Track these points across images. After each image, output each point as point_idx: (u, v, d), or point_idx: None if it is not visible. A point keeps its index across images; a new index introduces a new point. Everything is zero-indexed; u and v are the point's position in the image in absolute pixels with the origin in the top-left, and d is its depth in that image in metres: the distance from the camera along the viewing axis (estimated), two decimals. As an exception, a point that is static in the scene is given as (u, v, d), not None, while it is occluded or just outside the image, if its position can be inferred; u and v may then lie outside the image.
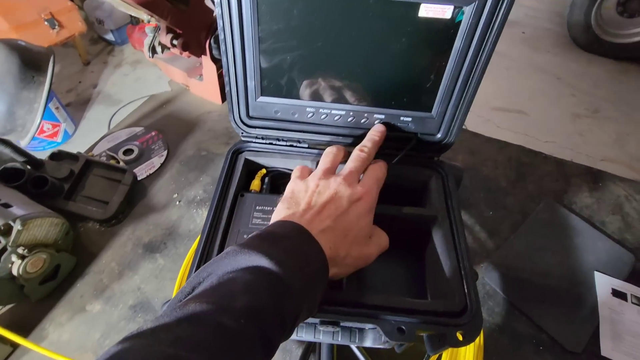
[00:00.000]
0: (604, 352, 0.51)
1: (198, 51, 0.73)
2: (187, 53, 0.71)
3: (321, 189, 0.34)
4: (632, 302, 0.56)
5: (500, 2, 0.33)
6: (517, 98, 2.05)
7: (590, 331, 0.53)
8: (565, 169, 0.75)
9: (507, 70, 2.24)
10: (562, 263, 0.60)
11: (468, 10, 0.34)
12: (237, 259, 0.27)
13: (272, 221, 0.34)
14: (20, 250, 0.47)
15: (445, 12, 0.34)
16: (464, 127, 0.43)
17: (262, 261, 0.26)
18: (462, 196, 0.69)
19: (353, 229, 0.33)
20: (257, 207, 0.40)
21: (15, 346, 0.49)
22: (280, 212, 0.34)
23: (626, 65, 2.28)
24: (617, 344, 0.52)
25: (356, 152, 0.38)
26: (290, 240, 0.29)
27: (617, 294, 0.57)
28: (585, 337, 0.53)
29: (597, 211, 0.68)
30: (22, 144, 0.42)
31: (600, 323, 0.54)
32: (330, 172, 0.37)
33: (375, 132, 0.40)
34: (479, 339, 0.48)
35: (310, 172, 0.37)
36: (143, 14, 0.62)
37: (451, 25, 0.35)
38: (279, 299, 0.26)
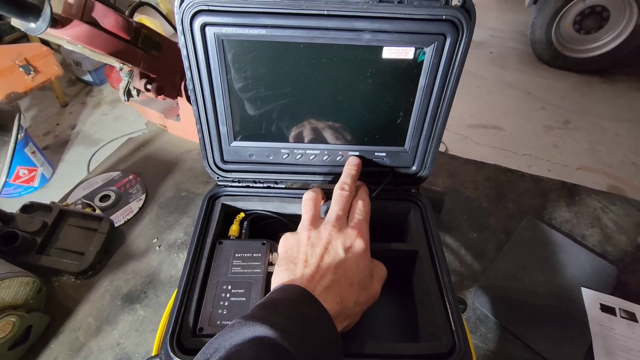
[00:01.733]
0: (599, 371, 0.50)
1: (173, 94, 0.74)
2: (162, 96, 0.71)
3: (313, 240, 0.34)
4: (621, 317, 0.56)
5: (459, 41, 0.34)
6: (492, 114, 2.13)
7: (584, 349, 0.53)
8: (542, 185, 0.76)
9: (479, 88, 2.34)
10: (549, 280, 0.61)
11: (429, 50, 0.35)
12: (242, 332, 0.26)
13: (272, 286, 0.33)
14: (-14, 316, 0.44)
15: (407, 53, 0.35)
16: (442, 150, 0.44)
17: (266, 331, 0.26)
18: (445, 219, 0.69)
19: (355, 276, 0.33)
20: (237, 255, 0.39)
21: (-20, 423, 0.45)
22: (279, 276, 0.33)
23: (588, 78, 2.41)
24: (612, 361, 0.52)
25: (337, 192, 0.38)
26: (293, 305, 0.29)
27: (605, 309, 0.57)
28: (580, 356, 0.52)
29: (576, 225, 0.69)
30: (-13, 204, 0.40)
31: (593, 340, 0.54)
32: (317, 218, 0.36)
33: (352, 166, 0.41)
34: (474, 370, 0.47)
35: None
36: (115, 62, 0.62)
37: (414, 65, 0.36)
38: None
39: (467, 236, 0.67)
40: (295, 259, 0.33)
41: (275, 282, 0.33)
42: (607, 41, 2.27)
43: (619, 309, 0.57)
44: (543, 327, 0.55)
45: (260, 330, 0.26)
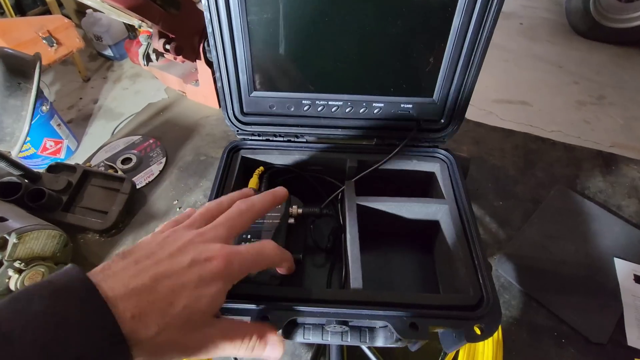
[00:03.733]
0: (630, 342, 0.48)
1: (192, 55, 0.72)
2: (181, 58, 0.70)
3: (170, 240, 0.25)
4: (657, 288, 0.53)
5: (499, -26, 0.31)
6: (519, 89, 2.02)
7: (614, 320, 0.50)
8: (575, 153, 0.72)
9: (505, 62, 2.22)
10: (579, 250, 0.58)
11: (465, -15, 0.32)
12: None
13: None
14: (17, 264, 0.46)
15: (441, -12, 0.32)
16: (465, 117, 0.41)
17: None
18: (470, 187, 0.67)
19: (183, 296, 0.22)
20: (256, 206, 0.38)
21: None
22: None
23: (628, 50, 2.25)
24: (644, 333, 0.49)
25: (235, 205, 0.29)
26: (49, 301, 0.19)
27: (639, 280, 0.54)
28: (610, 326, 0.50)
29: (611, 195, 0.65)
30: (13, 153, 0.41)
31: (625, 311, 0.51)
32: (192, 226, 0.27)
33: (273, 191, 0.32)
34: (497, 334, 0.46)
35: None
36: (134, 20, 0.61)
37: (449, 3, 0.33)
38: None
39: (493, 204, 0.64)
40: (131, 253, 0.24)
41: None
42: (651, 10, 2.09)
43: (655, 280, 0.54)
44: (571, 296, 0.53)
45: None
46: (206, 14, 0.35)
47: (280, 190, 0.32)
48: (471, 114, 0.39)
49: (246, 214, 0.28)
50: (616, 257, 0.57)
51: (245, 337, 0.25)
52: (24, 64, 0.39)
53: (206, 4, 0.34)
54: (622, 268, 0.56)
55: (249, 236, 0.35)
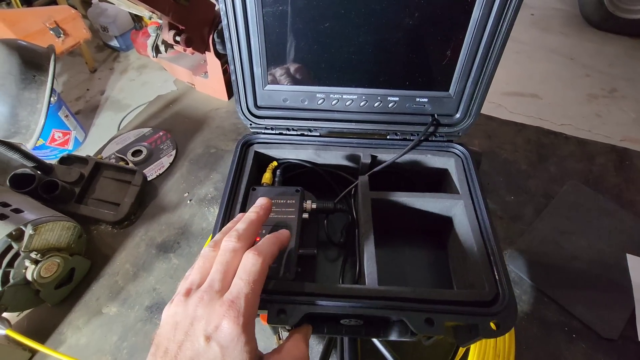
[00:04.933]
0: (642, 338, 0.48)
1: (202, 47, 0.72)
2: (190, 49, 0.70)
3: (178, 318, 0.25)
4: (670, 285, 0.53)
5: (522, -36, 0.30)
6: (529, 82, 1.99)
7: (625, 316, 0.50)
8: (588, 148, 0.71)
9: (517, 54, 2.18)
10: (591, 246, 0.57)
11: (486, -24, 0.31)
12: None
13: None
14: (33, 255, 0.47)
15: (461, -21, 0.31)
16: (484, 101, 0.40)
17: None
18: (481, 181, 0.66)
19: None
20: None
21: (34, 352, 0.48)
22: None
23: (642, 42, 2.19)
24: (656, 329, 0.49)
25: (222, 246, 0.28)
26: None
27: (652, 276, 0.54)
28: (621, 322, 0.50)
29: (625, 190, 0.64)
30: (28, 146, 0.41)
31: (636, 307, 0.51)
32: (191, 292, 0.26)
33: (255, 208, 0.31)
34: (509, 329, 0.46)
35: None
36: (144, 11, 0.61)
37: (468, -6, 0.32)
38: None
39: (504, 199, 0.64)
40: (159, 345, 0.25)
41: None
42: (668, -1, 2.03)
43: (668, 277, 0.54)
44: (582, 292, 0.53)
45: None
46: (222, 7, 0.34)
47: (260, 201, 0.32)
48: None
49: (239, 251, 0.28)
50: (629, 253, 0.56)
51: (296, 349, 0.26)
52: (38, 56, 0.39)
53: (221, -5, 0.34)
54: (635, 264, 0.55)
55: (263, 231, 0.36)
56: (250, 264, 0.27)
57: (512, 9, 0.33)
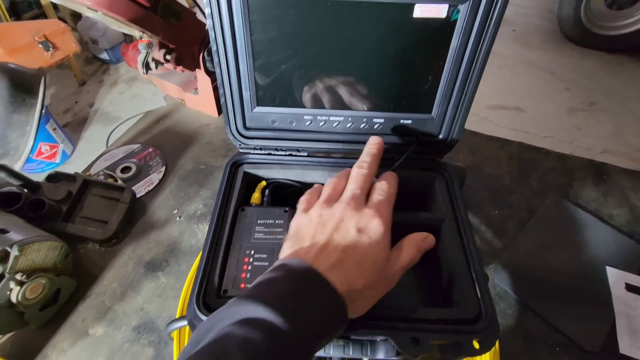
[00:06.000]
0: (622, 350, 0.50)
1: (192, 65, 0.73)
2: (181, 67, 0.71)
3: (326, 218, 0.31)
4: (647, 296, 0.55)
5: (496, -2, 0.32)
6: (513, 95, 2.06)
7: (606, 329, 0.52)
8: (568, 163, 0.74)
9: (500, 68, 2.25)
10: (573, 259, 0.59)
11: (463, 8, 0.33)
12: (234, 311, 0.25)
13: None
14: (18, 277, 0.46)
15: (440, 11, 0.33)
16: (465, 122, 0.42)
17: (258, 311, 0.24)
18: (466, 196, 0.68)
19: (367, 257, 0.29)
20: (259, 221, 0.38)
21: (16, 376, 0.47)
22: (284, 252, 0.31)
23: (619, 57, 2.29)
24: (635, 341, 0.51)
25: (355, 171, 0.35)
26: (292, 282, 0.27)
27: (631, 288, 0.56)
28: (602, 335, 0.51)
29: (603, 204, 0.67)
30: (16, 167, 0.41)
31: (617, 320, 0.52)
32: (333, 199, 0.33)
33: (372, 145, 0.37)
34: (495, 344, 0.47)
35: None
36: (135, 31, 0.62)
37: (447, 24, 0.34)
38: (281, 351, 0.23)
39: (488, 213, 0.66)
40: (302, 236, 0.31)
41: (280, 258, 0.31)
42: (641, 17, 2.13)
43: (646, 289, 0.56)
44: (565, 305, 0.54)
45: (252, 309, 0.24)
46: (211, 34, 0.35)
47: (374, 139, 0.37)
48: (467, 120, 0.41)
49: (369, 175, 0.34)
50: (608, 265, 0.58)
51: (409, 252, 0.32)
52: (28, 79, 0.39)
53: (211, 24, 0.35)
54: (614, 276, 0.57)
55: (252, 252, 0.36)
56: (385, 185, 0.34)
57: (488, 39, 0.35)
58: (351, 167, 0.35)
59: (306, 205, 0.34)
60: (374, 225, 0.30)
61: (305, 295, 0.26)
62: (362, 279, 0.29)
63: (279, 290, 0.26)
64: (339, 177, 0.36)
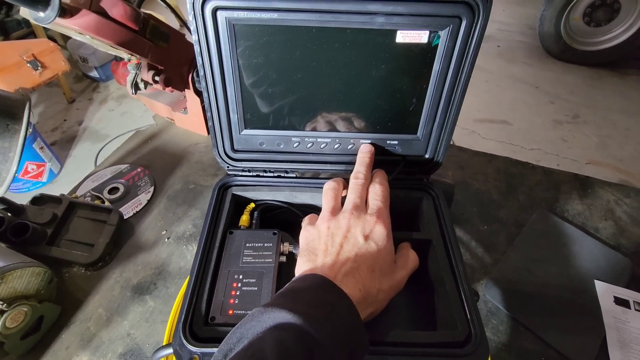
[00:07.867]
0: (614, 364, 0.50)
1: (181, 86, 0.73)
2: (170, 88, 0.71)
3: (333, 230, 0.34)
4: (636, 309, 0.55)
5: (475, 24, 0.34)
6: (499, 109, 2.10)
7: (597, 342, 0.52)
8: (553, 177, 0.75)
9: (486, 82, 2.31)
10: (562, 273, 0.60)
11: (444, 34, 0.34)
12: (263, 319, 0.27)
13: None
14: (-2, 305, 0.45)
15: (421, 37, 0.34)
16: (450, 142, 0.43)
17: (286, 317, 0.26)
18: (455, 212, 0.69)
19: (377, 262, 0.33)
20: (248, 244, 0.38)
21: (-6, 411, 0.45)
22: (300, 267, 0.34)
23: (599, 71, 2.37)
24: (626, 354, 0.51)
25: (353, 182, 0.38)
26: (313, 292, 0.29)
27: (619, 301, 0.56)
28: (594, 349, 0.51)
29: (589, 218, 0.68)
30: (-1, 194, 0.41)
31: (607, 333, 0.53)
32: (337, 209, 0.36)
33: (364, 154, 0.40)
34: (487, 362, 0.47)
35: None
36: (123, 54, 0.62)
37: (428, 49, 0.35)
38: (310, 351, 0.25)
39: (478, 229, 0.66)
40: (315, 250, 0.34)
41: (297, 274, 0.33)
42: (618, 33, 2.22)
43: (633, 301, 0.56)
44: (555, 320, 0.54)
45: (281, 316, 0.26)
46: (198, 59, 0.36)
47: (365, 147, 0.41)
48: (455, 133, 0.42)
49: (365, 183, 0.38)
50: (596, 279, 0.59)
51: (414, 264, 0.36)
52: (12, 104, 0.39)
53: (198, 50, 0.35)
54: (603, 290, 0.57)
55: (240, 276, 0.36)
56: (378, 189, 0.37)
57: (468, 63, 0.36)
58: None
59: (310, 220, 0.37)
60: (378, 230, 0.34)
61: (327, 305, 0.28)
62: (375, 283, 0.32)
63: (303, 301, 0.28)
64: (336, 186, 0.39)
